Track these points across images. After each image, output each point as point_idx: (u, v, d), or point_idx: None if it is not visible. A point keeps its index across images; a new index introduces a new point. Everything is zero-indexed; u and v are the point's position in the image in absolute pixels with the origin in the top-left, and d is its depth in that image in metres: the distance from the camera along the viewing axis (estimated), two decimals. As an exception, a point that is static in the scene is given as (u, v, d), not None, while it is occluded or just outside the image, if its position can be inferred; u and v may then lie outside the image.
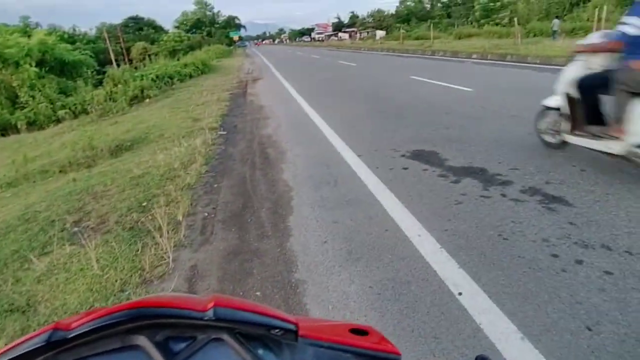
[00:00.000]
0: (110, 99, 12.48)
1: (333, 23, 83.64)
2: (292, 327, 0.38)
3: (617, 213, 2.64)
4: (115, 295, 2.28)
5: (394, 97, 7.77)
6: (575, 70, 3.45)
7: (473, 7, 37.93)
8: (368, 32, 54.87)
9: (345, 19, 77.59)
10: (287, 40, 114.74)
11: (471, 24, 36.14)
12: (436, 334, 1.76)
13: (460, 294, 1.99)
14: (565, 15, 29.26)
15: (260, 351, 0.37)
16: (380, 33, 47.81)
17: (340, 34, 70.66)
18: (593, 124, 3.36)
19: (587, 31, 20.20)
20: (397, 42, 30.35)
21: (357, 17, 69.63)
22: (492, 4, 35.11)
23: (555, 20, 23.81)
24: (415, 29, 39.89)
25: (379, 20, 57.78)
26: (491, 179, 3.40)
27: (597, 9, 15.26)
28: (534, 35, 23.40)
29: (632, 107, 2.93)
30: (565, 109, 3.54)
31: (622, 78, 2.94)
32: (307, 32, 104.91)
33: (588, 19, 21.96)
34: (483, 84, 8.60)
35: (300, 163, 4.33)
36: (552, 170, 3.44)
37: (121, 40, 34.76)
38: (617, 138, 3.08)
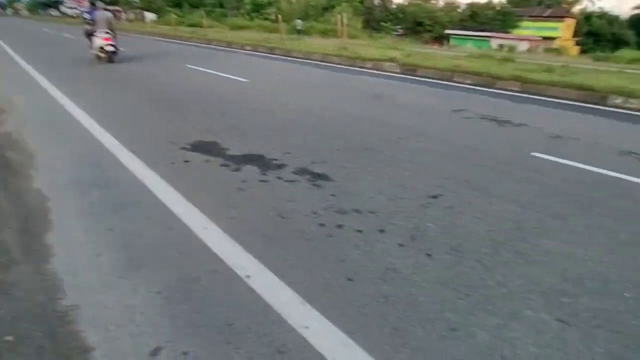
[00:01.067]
0: None
1: (89, -3, 71.01)
2: None
3: (363, 183, 3.32)
4: None
5: (170, 87, 7.34)
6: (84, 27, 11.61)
7: (244, -1, 39.64)
8: (135, 14, 49.24)
9: (105, -5, 67.22)
10: (27, 12, 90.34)
11: (243, 15, 37.73)
12: (230, 320, 1.79)
13: (248, 276, 2.09)
14: (320, 17, 34.34)
15: None
16: (150, 16, 43.80)
17: (100, 12, 60.62)
18: (91, 45, 10.79)
19: (335, 32, 24.29)
20: (170, 28, 28.57)
21: (120, -6, 61.29)
22: (259, -1, 37.63)
23: (298, 21, 28.33)
24: (189, 15, 38.52)
25: (148, 2, 52.60)
26: (268, 163, 3.68)
27: (340, 15, 18.47)
28: (298, 33, 26.44)
29: (91, 39, 10.67)
30: (87, 41, 11.27)
31: (85, 29, 11.31)
32: (54, 4, 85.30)
33: (335, 23, 26.42)
34: (257, 76, 9.16)
35: (58, 166, 3.56)
36: (315, 152, 4.01)
37: None
38: (92, 48, 10.73)
